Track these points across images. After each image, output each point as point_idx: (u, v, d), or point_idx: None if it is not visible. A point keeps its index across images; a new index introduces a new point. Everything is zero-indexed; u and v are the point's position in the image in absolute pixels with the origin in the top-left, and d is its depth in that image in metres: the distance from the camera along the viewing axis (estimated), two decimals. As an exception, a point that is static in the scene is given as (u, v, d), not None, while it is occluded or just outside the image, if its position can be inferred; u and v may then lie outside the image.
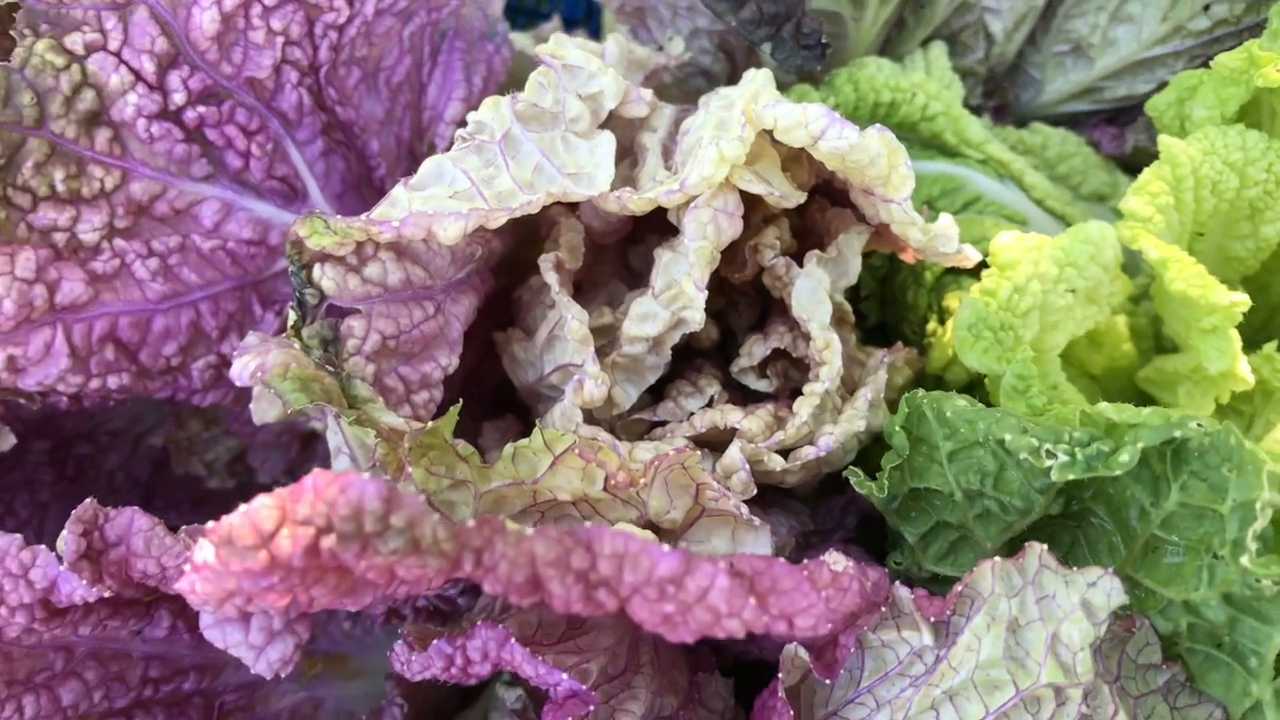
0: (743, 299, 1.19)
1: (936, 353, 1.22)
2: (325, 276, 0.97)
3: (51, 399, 1.10)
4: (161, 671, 1.03)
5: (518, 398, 1.24)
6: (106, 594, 0.86)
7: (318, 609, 0.80)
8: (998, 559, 0.81)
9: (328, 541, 0.68)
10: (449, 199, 0.98)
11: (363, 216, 0.96)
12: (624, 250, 1.24)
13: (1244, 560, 0.79)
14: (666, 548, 0.67)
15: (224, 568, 0.70)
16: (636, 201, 1.00)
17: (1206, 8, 1.36)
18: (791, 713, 0.84)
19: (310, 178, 1.20)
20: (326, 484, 0.68)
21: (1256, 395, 1.20)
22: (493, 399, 1.31)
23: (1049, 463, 0.85)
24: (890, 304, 1.33)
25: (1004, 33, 1.45)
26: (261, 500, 0.68)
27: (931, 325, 1.26)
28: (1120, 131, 1.47)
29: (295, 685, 1.14)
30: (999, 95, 1.51)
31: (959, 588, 0.83)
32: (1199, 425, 0.83)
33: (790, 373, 1.13)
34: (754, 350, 1.11)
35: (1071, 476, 0.84)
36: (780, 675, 0.86)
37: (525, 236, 1.23)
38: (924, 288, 1.27)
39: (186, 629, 1.02)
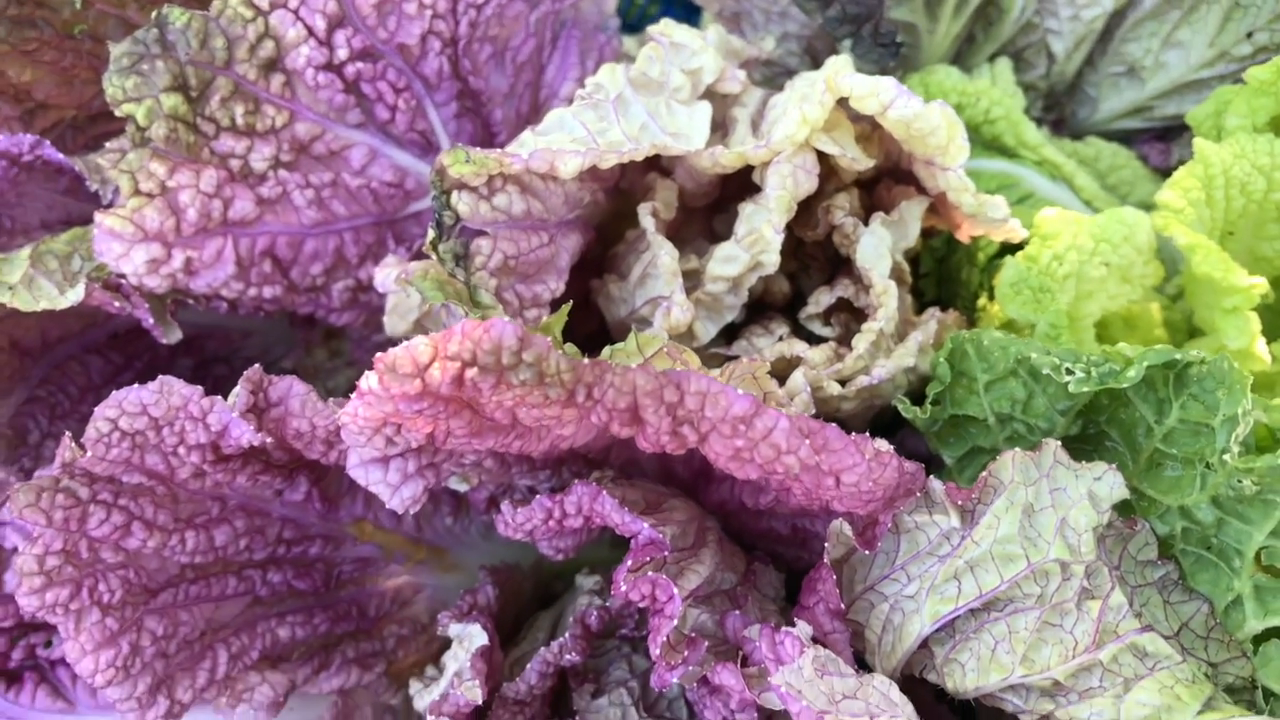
0: (814, 263, 1.35)
1: (984, 323, 1.36)
2: (461, 202, 1.15)
3: (214, 303, 1.29)
4: (293, 534, 1.20)
5: (609, 341, 1.41)
6: (267, 440, 1.03)
7: (450, 447, 0.96)
8: (1018, 450, 0.96)
9: (471, 373, 0.84)
10: (569, 142, 1.16)
11: (497, 150, 1.14)
12: (710, 216, 1.40)
13: (1227, 459, 0.93)
14: (741, 391, 0.83)
15: (385, 392, 0.87)
16: (727, 156, 1.17)
17: (1249, 35, 1.50)
18: (835, 577, 0.99)
19: (444, 135, 1.38)
20: (473, 327, 0.84)
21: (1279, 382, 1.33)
22: (584, 347, 1.47)
23: (1067, 378, 0.99)
24: (946, 282, 1.48)
25: (1064, 53, 1.61)
26: (419, 339, 0.85)
27: (982, 301, 1.41)
28: (1167, 147, 1.61)
29: (401, 568, 1.30)
30: (1057, 110, 1.66)
31: (984, 476, 0.98)
32: (1198, 354, 0.97)
33: (851, 324, 1.28)
34: (820, 299, 1.26)
35: (1086, 389, 0.98)
36: (827, 546, 1.01)
37: (622, 207, 1.40)
38: (977, 267, 1.42)
39: (319, 498, 1.19)
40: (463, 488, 1.17)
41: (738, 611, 1.04)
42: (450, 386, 0.85)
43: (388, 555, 1.29)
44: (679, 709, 1.18)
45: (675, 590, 0.95)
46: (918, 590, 0.99)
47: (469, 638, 1.10)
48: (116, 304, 1.20)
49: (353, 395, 0.90)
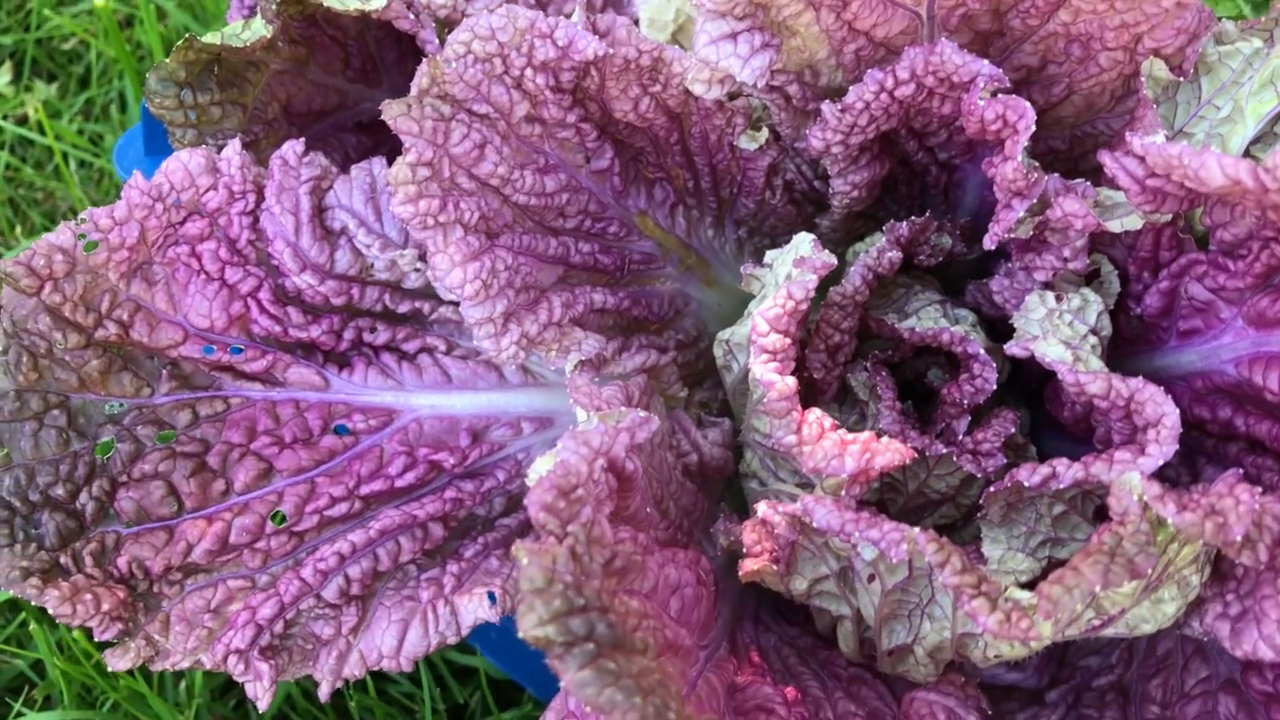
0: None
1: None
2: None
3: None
4: (596, 209, 1.26)
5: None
6: (607, 52, 1.12)
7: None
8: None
9: None
10: None
11: None
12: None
13: None
14: None
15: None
16: None
17: None
18: (1155, 106, 1.08)
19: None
20: None
21: None
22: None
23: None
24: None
25: None
26: None
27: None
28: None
29: (674, 271, 1.37)
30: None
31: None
32: None
33: None
34: None
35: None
36: (1143, 79, 1.09)
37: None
38: None
39: (618, 173, 1.26)
40: (751, 146, 1.25)
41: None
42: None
43: (664, 255, 1.35)
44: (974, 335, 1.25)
45: (1028, 106, 1.04)
46: (1232, 110, 1.08)
47: (799, 239, 1.16)
48: (411, 18, 1.29)
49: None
